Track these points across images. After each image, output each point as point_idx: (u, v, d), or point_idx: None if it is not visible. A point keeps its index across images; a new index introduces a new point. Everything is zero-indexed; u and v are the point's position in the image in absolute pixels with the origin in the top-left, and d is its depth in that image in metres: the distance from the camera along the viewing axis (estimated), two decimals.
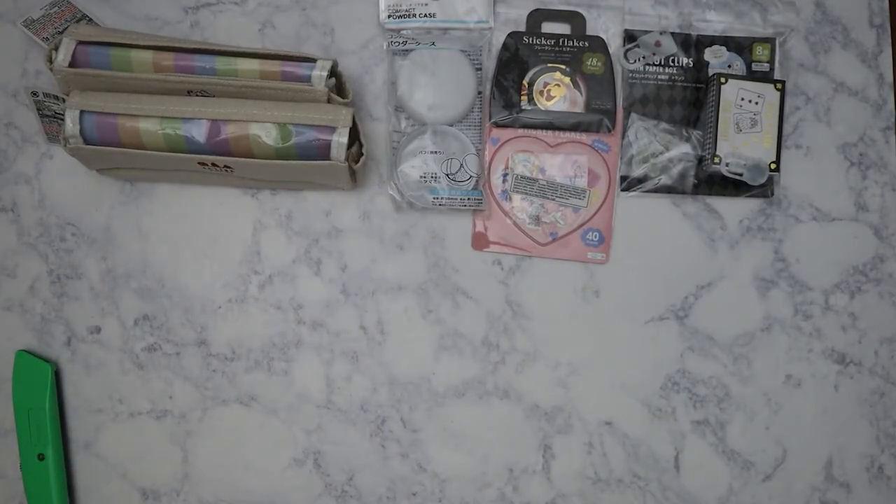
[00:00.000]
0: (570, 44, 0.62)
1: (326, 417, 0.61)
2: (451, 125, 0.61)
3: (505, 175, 0.62)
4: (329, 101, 0.56)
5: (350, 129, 0.54)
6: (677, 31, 0.64)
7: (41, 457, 0.58)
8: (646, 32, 0.63)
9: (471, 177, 0.60)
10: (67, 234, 0.61)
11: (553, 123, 0.62)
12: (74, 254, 0.61)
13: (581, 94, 0.62)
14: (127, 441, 0.60)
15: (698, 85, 0.63)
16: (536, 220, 0.62)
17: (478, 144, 0.61)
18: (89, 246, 0.61)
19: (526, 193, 0.62)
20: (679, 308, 0.62)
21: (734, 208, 0.63)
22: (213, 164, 0.54)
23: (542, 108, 0.62)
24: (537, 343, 0.62)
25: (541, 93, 0.62)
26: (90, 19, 0.61)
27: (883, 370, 0.63)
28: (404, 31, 0.63)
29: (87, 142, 0.54)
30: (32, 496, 0.58)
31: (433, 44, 0.62)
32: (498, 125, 0.62)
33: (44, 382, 0.58)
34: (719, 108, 0.60)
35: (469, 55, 0.62)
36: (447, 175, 0.60)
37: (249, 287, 0.61)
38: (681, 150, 0.63)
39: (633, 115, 0.63)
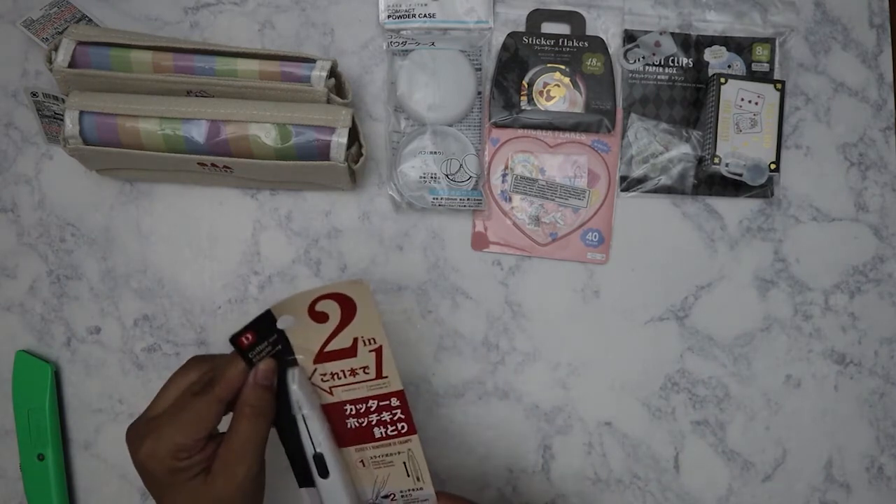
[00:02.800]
0: (570, 44, 0.62)
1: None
2: (451, 125, 0.61)
3: (505, 175, 0.62)
4: (329, 101, 0.56)
5: (349, 129, 0.54)
6: (677, 31, 0.64)
7: (41, 457, 0.58)
8: (645, 33, 0.63)
9: (470, 177, 0.60)
10: (67, 235, 0.61)
11: (553, 123, 0.62)
12: (74, 254, 0.61)
13: (581, 94, 0.62)
14: None
15: (698, 85, 0.63)
16: (536, 220, 0.62)
17: (477, 145, 0.61)
18: (89, 246, 0.61)
19: (526, 194, 0.62)
20: (679, 308, 0.62)
21: (734, 208, 0.63)
22: (213, 165, 0.55)
23: (541, 108, 0.62)
24: (537, 343, 0.62)
25: (540, 93, 0.62)
26: (90, 19, 0.61)
27: (883, 370, 0.63)
28: (404, 32, 0.63)
29: (86, 142, 0.54)
30: (32, 496, 0.58)
31: (433, 44, 0.62)
32: (498, 125, 0.62)
33: (44, 383, 0.58)
34: (719, 108, 0.60)
35: (469, 55, 0.62)
36: (447, 175, 0.60)
37: (249, 287, 0.61)
38: (680, 151, 0.63)
39: (633, 116, 0.63)
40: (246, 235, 0.62)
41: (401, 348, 0.61)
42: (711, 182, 0.62)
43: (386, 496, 0.47)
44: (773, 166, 0.60)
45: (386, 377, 0.43)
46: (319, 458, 0.44)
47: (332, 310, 0.41)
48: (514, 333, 0.62)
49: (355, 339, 0.42)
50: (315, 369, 0.44)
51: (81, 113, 0.53)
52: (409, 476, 0.46)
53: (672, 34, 0.64)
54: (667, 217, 0.63)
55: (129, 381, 0.61)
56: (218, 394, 0.42)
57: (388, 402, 0.44)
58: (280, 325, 0.42)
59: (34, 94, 0.57)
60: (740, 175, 0.60)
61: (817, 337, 0.63)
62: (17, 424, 0.58)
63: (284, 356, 0.43)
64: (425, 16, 0.62)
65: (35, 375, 0.59)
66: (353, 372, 0.43)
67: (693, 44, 0.63)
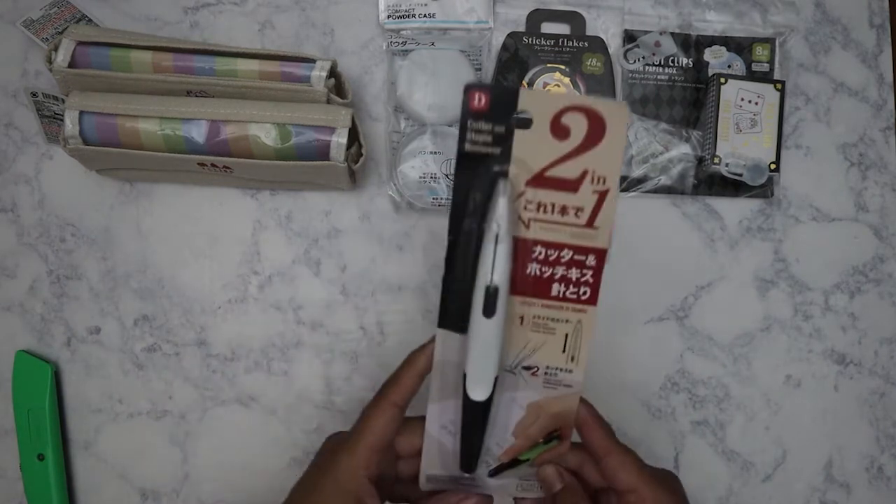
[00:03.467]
0: (570, 44, 0.62)
1: (326, 417, 0.61)
2: (451, 125, 0.61)
3: None
4: (328, 101, 0.56)
5: (349, 129, 0.54)
6: (677, 31, 0.64)
7: (41, 457, 0.58)
8: (645, 33, 0.63)
9: None
10: (67, 235, 0.61)
11: None
12: (74, 254, 0.61)
13: (581, 94, 0.62)
14: (126, 441, 0.60)
15: (698, 85, 0.63)
16: None
17: None
18: (89, 246, 0.61)
19: None
20: (679, 308, 0.62)
21: (734, 209, 0.63)
22: (213, 165, 0.55)
23: None
24: None
25: None
26: (90, 20, 0.61)
27: (883, 370, 0.63)
28: (404, 32, 0.63)
29: (86, 142, 0.54)
30: (32, 496, 0.58)
31: (433, 44, 0.62)
32: None
33: (43, 383, 0.58)
34: (719, 108, 0.60)
35: (469, 55, 0.62)
36: (447, 175, 0.60)
37: (249, 287, 0.61)
38: (680, 151, 0.63)
39: (633, 116, 0.63)
40: (246, 235, 0.62)
41: (400, 348, 0.61)
42: (711, 182, 0.62)
43: (527, 367, 0.40)
44: (772, 166, 0.60)
45: (597, 228, 0.37)
46: (493, 293, 0.37)
47: (578, 127, 0.35)
48: None
49: (584, 172, 0.36)
50: (523, 192, 0.36)
51: (81, 113, 0.53)
52: (564, 352, 0.39)
53: (672, 34, 0.64)
54: (667, 217, 0.63)
55: (129, 381, 0.61)
56: (390, 397, 0.40)
57: (584, 258, 0.38)
58: (514, 121, 0.36)
59: (34, 94, 0.57)
60: (740, 175, 0.60)
61: (817, 337, 0.63)
62: (17, 424, 0.58)
63: (493, 163, 0.36)
64: (425, 16, 0.62)
65: (35, 375, 0.59)
66: (564, 210, 0.37)
67: (693, 44, 0.63)
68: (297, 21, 0.63)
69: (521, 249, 0.37)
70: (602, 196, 0.36)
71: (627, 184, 0.63)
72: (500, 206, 0.36)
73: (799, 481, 0.62)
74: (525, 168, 0.36)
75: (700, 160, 0.62)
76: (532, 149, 0.36)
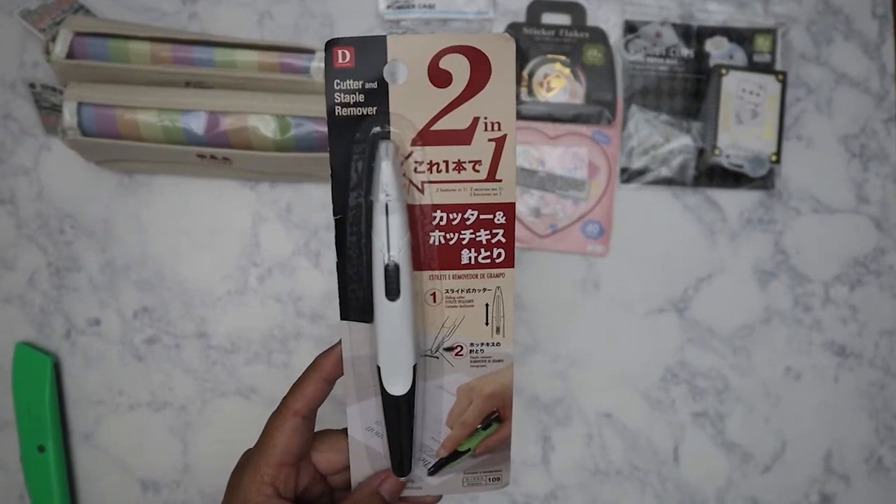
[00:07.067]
0: (571, 35, 0.62)
1: (326, 410, 0.61)
2: None
3: None
4: None
5: None
6: (678, 21, 0.63)
7: (41, 449, 0.58)
8: (646, 23, 0.63)
9: None
10: (66, 226, 0.61)
11: (553, 115, 0.62)
12: (73, 246, 0.61)
13: (581, 85, 0.62)
14: (127, 433, 0.61)
15: (699, 76, 0.63)
16: (536, 212, 0.62)
17: None
18: (88, 238, 0.61)
19: (525, 185, 0.62)
20: (679, 300, 0.62)
21: (734, 200, 0.63)
22: (212, 156, 0.54)
23: (541, 99, 0.62)
24: (536, 335, 0.62)
25: (541, 84, 0.62)
26: (87, 10, 0.61)
27: (883, 362, 0.63)
28: (403, 22, 0.62)
29: (85, 134, 0.53)
30: (33, 488, 0.58)
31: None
32: None
33: (43, 374, 0.58)
34: (720, 99, 0.60)
35: None
36: None
37: (249, 279, 0.61)
38: (681, 142, 0.62)
39: (634, 107, 0.63)
40: (245, 227, 0.61)
41: None
42: (712, 173, 0.62)
43: (450, 348, 0.36)
44: (773, 158, 0.60)
45: (499, 181, 0.33)
46: (393, 271, 0.33)
47: (460, 70, 0.32)
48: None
49: (475, 119, 0.33)
50: (411, 153, 0.33)
51: (80, 104, 0.53)
52: (487, 324, 0.36)
53: (673, 25, 0.63)
54: (667, 209, 0.63)
55: (128, 372, 0.61)
56: (292, 406, 0.37)
57: (491, 217, 0.34)
58: (386, 74, 0.32)
59: (32, 86, 0.57)
60: (741, 166, 0.60)
61: (817, 329, 0.62)
62: (17, 416, 0.58)
63: (371, 125, 0.33)
64: (425, 6, 0.62)
65: (35, 367, 0.59)
66: (459, 166, 0.33)
67: (694, 34, 0.63)
68: (296, 12, 0.63)
69: (418, 218, 0.34)
70: (500, 143, 0.33)
71: (628, 175, 0.62)
72: (386, 172, 0.32)
73: (798, 473, 0.62)
74: (408, 125, 0.33)
75: (701, 151, 0.62)
76: (412, 102, 0.32)
